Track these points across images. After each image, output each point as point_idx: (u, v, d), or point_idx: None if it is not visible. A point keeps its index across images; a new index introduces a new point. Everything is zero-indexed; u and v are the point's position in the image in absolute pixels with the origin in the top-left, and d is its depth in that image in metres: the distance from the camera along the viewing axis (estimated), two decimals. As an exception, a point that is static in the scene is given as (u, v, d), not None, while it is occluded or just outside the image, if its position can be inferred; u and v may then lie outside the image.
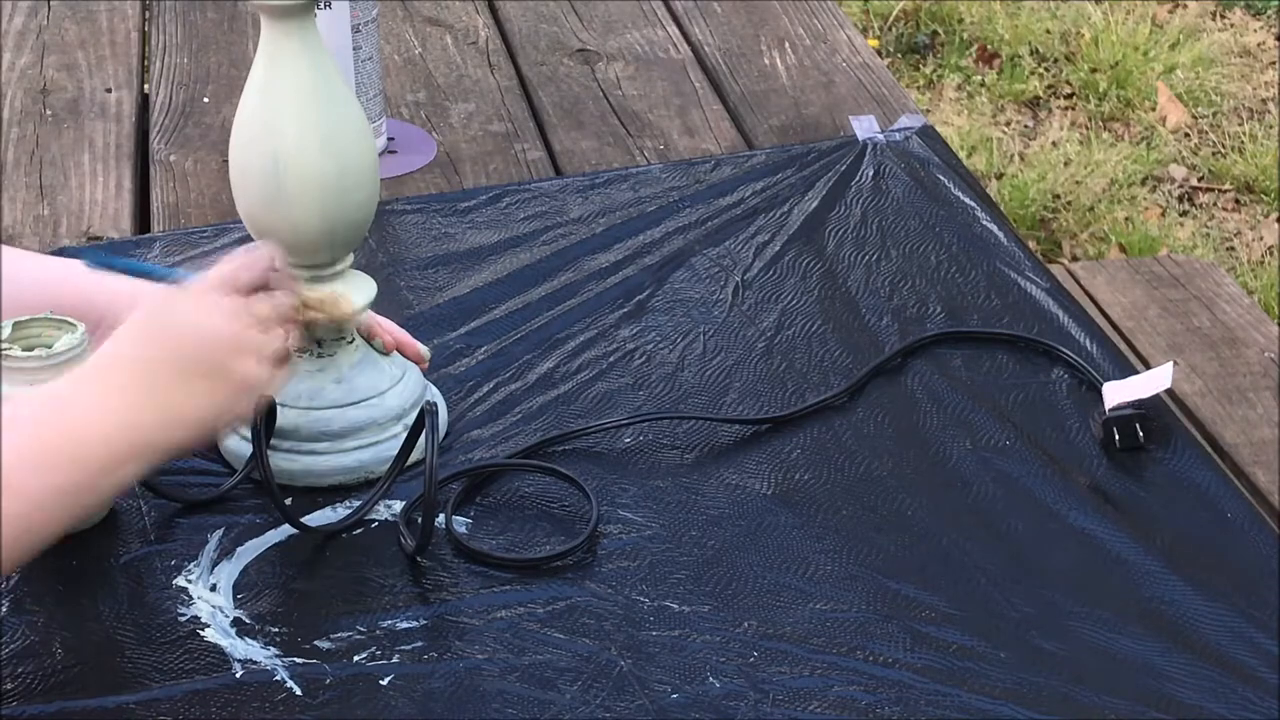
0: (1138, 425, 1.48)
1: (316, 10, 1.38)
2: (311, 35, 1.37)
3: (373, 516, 1.42)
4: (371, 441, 1.45)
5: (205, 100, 2.10)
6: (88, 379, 1.20)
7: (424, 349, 1.52)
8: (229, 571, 1.36)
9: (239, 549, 1.38)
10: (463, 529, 1.40)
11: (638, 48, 2.22)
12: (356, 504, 1.42)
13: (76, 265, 1.42)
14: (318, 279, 1.43)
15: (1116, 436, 1.48)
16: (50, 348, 1.34)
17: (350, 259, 1.44)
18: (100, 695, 1.25)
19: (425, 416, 1.37)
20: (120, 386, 1.19)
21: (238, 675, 1.27)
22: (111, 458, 1.18)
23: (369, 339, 1.49)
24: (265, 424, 1.36)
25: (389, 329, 1.50)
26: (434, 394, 1.52)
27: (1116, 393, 1.51)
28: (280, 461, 1.42)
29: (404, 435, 1.44)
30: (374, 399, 1.46)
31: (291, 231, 1.40)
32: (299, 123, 1.38)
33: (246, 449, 1.41)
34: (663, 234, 1.80)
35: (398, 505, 1.42)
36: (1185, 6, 4.08)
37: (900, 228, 1.80)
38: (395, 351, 1.50)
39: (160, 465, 1.24)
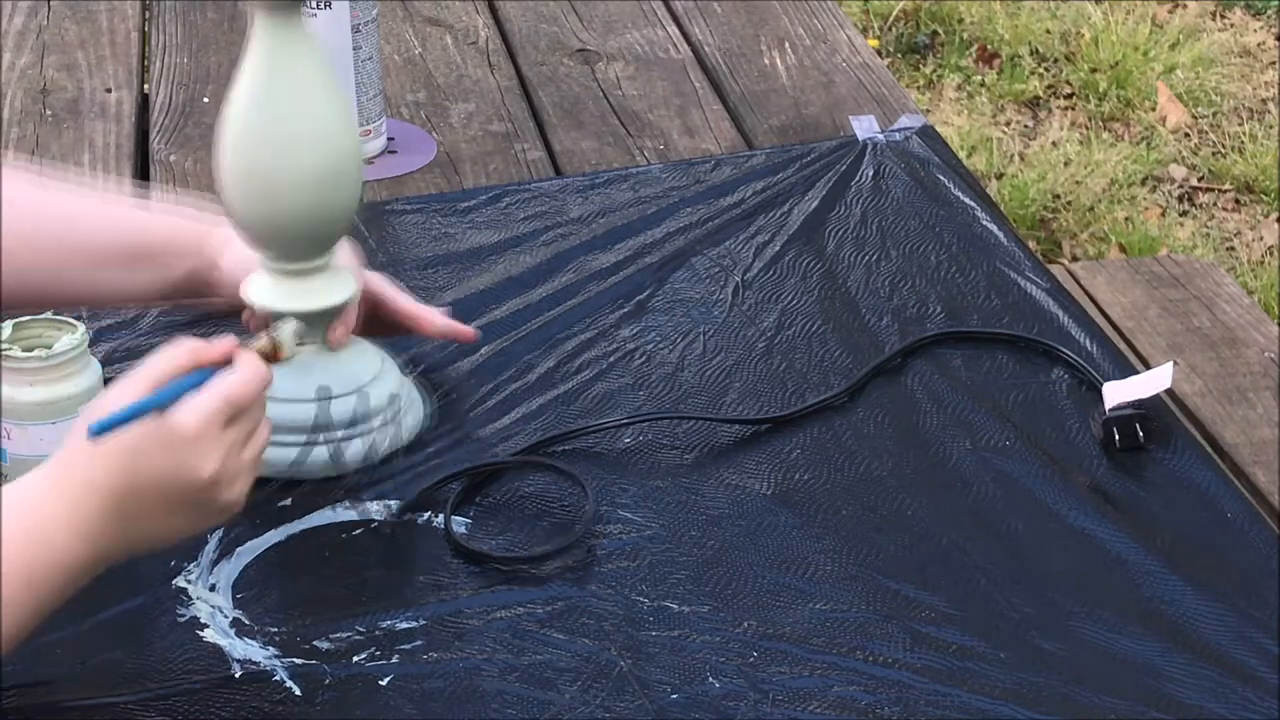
0: (1138, 425, 1.48)
1: (316, 10, 1.38)
2: (297, 31, 1.36)
3: (372, 517, 1.42)
4: (358, 433, 1.45)
5: (205, 100, 2.10)
6: (60, 505, 1.17)
7: (465, 329, 1.57)
8: (228, 572, 1.36)
9: (238, 549, 1.38)
10: (462, 529, 1.40)
11: (638, 48, 2.21)
12: (356, 504, 1.42)
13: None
14: (301, 273, 1.42)
15: (1116, 436, 1.48)
16: (50, 348, 1.34)
17: (333, 254, 1.44)
18: (100, 695, 1.25)
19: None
20: (94, 514, 1.17)
21: (236, 675, 1.27)
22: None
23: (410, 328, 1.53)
24: None
25: (429, 315, 1.55)
26: (410, 389, 1.52)
27: (1116, 393, 1.51)
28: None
29: (387, 427, 1.44)
30: (355, 391, 1.45)
31: (274, 227, 1.40)
32: (282, 118, 1.38)
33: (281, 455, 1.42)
34: (663, 234, 1.79)
35: (397, 505, 1.42)
36: (1185, 6, 4.08)
37: (900, 228, 1.80)
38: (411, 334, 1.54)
39: None
